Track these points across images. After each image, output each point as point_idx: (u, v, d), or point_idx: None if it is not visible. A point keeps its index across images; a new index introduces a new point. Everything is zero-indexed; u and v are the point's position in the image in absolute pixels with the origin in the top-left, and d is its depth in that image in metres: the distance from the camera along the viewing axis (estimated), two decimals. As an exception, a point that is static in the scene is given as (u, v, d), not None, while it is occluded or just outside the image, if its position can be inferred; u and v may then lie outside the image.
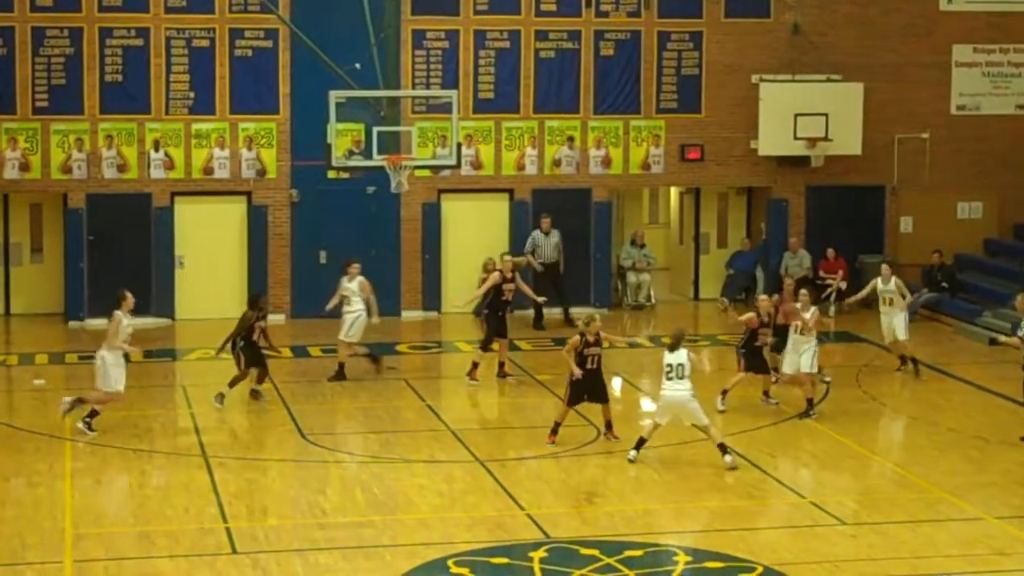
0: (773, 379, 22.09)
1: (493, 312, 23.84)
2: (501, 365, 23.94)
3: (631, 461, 18.82)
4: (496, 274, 24.09)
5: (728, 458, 18.70)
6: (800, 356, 21.75)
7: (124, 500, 17.48)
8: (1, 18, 28.13)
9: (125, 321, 20.56)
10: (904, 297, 24.31)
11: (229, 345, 22.19)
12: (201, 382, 23.47)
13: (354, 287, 23.66)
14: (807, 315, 21.83)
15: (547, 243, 29.22)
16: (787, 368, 21.93)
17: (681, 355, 18.71)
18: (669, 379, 18.72)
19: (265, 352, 22.32)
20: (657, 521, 16.86)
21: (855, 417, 21.71)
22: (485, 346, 23.77)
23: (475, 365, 23.54)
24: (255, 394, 22.12)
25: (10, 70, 28.24)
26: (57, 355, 25.97)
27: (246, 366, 22.02)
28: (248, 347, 22.01)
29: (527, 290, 25.25)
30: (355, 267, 23.90)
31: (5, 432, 20.67)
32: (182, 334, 28.00)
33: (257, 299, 22.94)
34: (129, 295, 20.78)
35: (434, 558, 15.36)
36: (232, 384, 21.88)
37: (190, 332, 27.82)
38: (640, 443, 18.98)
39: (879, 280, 24.54)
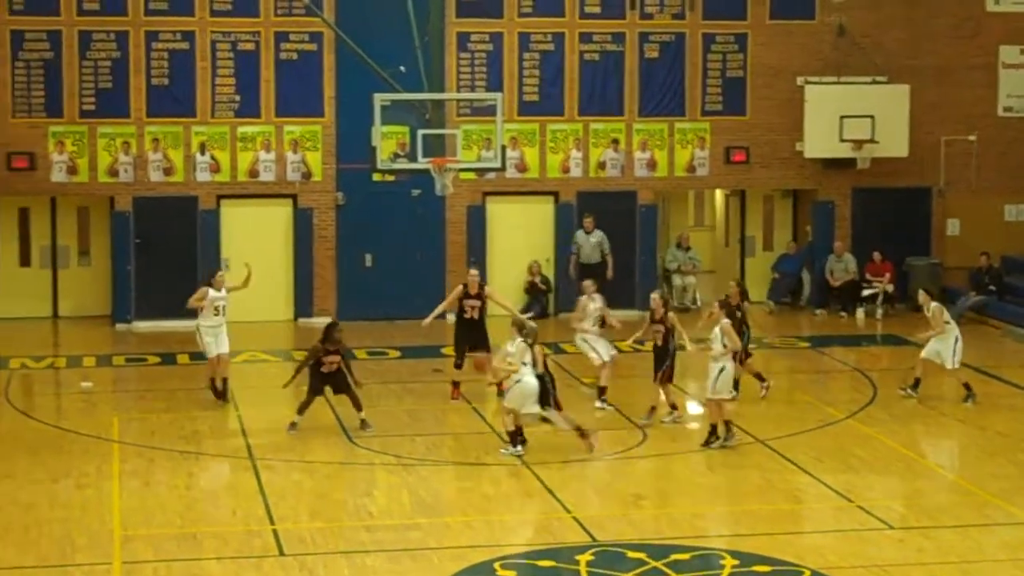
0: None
1: (457, 328, 22.80)
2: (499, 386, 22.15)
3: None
4: (458, 288, 22.90)
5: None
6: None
7: (172, 502, 17.50)
8: (48, 22, 28.32)
9: (592, 305, 22.23)
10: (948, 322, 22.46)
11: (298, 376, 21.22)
12: (247, 384, 23.54)
13: (225, 296, 22.41)
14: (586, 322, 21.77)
15: (588, 242, 29.17)
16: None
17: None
18: None
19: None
20: (704, 524, 16.81)
21: (902, 420, 21.60)
22: (455, 364, 22.67)
23: (454, 384, 22.76)
24: (364, 424, 20.69)
25: (57, 74, 28.42)
26: (104, 357, 26.09)
27: (313, 392, 20.71)
28: (316, 375, 20.71)
29: (508, 306, 23.27)
30: (222, 276, 22.70)
31: (53, 434, 20.78)
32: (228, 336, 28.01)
33: (330, 331, 20.81)
34: (589, 282, 22.89)
35: (480, 561, 15.35)
36: (301, 411, 20.63)
37: (236, 334, 27.64)
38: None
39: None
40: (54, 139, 28.54)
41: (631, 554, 15.54)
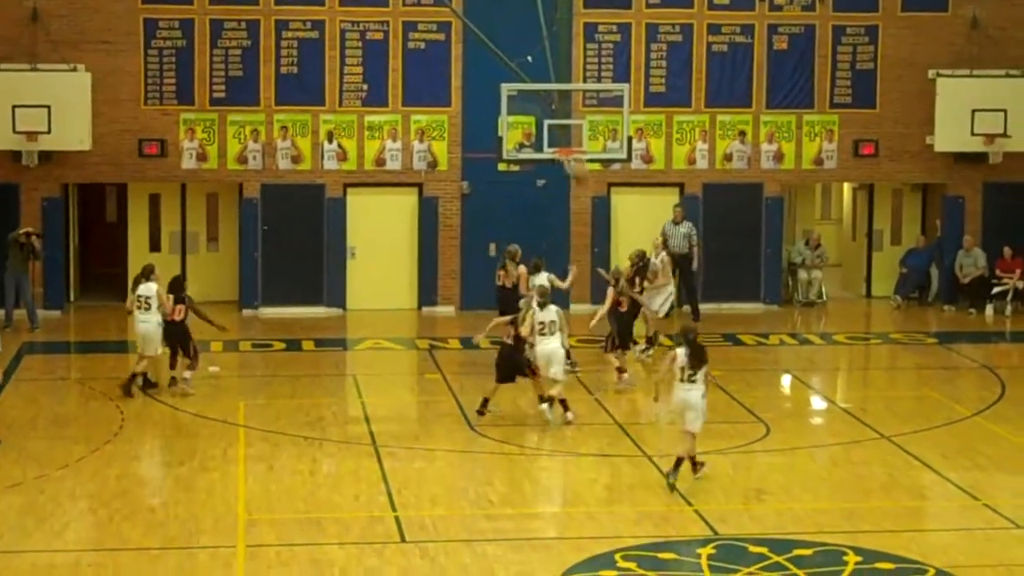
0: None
1: None
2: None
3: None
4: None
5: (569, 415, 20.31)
6: None
7: (295, 487, 17.66)
8: (181, 10, 28.65)
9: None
10: None
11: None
12: (372, 371, 23.69)
13: (154, 290, 22.32)
14: None
15: (676, 233, 28.94)
16: None
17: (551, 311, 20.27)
18: None
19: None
20: (826, 520, 16.65)
21: (1031, 419, 21.30)
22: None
23: None
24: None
25: (189, 61, 28.75)
26: (231, 343, 26.36)
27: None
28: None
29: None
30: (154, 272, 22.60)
31: (181, 418, 21.05)
32: (353, 324, 28.29)
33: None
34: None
35: (601, 552, 15.33)
36: None
37: (361, 322, 28.11)
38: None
39: None
40: (185, 126, 28.89)
41: (753, 548, 15.45)
